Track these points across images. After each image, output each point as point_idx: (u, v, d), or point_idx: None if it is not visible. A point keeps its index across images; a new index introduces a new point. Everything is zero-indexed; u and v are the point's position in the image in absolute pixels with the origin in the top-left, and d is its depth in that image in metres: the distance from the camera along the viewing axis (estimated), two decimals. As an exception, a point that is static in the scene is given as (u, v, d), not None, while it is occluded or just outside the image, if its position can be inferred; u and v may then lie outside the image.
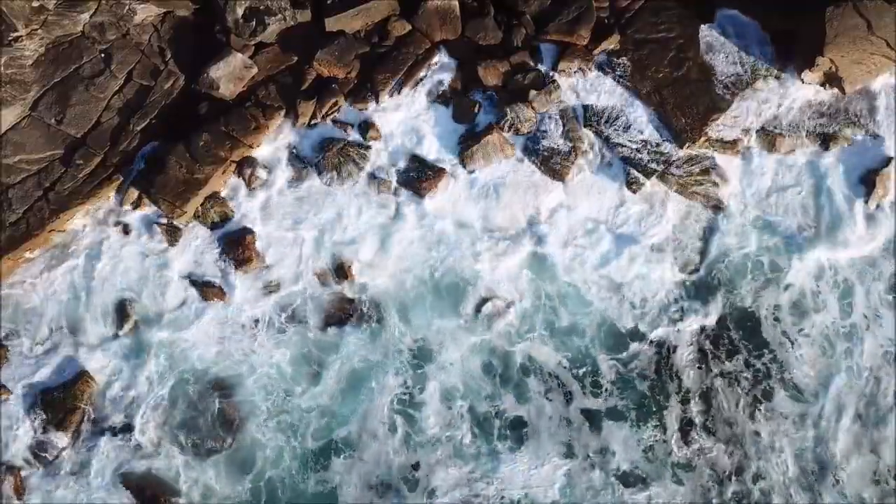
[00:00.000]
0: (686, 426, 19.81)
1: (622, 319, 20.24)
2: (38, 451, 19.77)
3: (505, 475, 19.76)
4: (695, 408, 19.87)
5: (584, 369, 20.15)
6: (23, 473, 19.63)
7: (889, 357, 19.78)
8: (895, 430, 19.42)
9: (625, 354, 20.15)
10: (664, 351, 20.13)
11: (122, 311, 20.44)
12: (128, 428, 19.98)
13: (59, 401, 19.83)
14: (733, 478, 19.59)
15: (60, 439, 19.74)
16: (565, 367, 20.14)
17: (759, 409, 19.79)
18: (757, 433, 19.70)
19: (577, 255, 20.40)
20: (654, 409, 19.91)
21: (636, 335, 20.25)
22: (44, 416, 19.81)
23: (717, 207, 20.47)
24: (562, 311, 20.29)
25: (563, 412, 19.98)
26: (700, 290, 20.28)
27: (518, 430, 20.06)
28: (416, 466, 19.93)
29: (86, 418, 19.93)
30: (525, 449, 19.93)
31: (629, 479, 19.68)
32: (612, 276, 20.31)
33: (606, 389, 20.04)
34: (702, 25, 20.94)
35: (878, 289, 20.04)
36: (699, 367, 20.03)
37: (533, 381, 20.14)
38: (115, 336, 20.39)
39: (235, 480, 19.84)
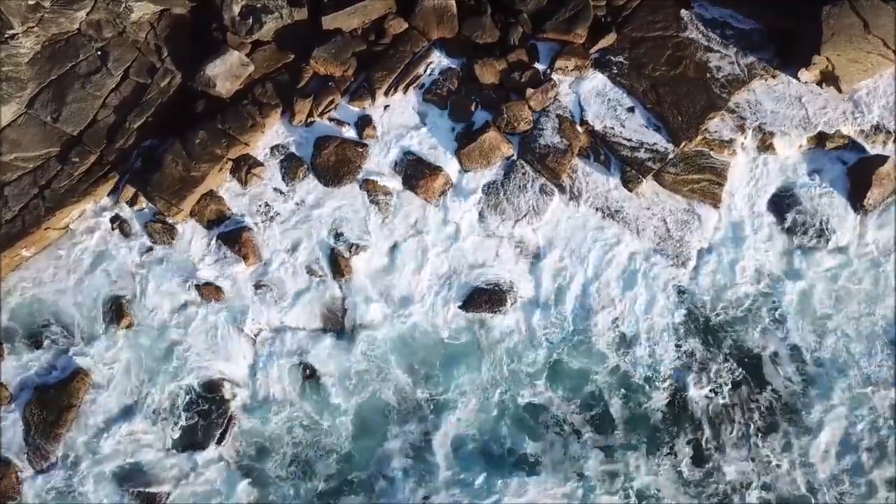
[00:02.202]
0: (696, 450, 19.44)
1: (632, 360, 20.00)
2: (35, 448, 19.69)
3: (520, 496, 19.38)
4: (704, 434, 19.54)
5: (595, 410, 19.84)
6: (19, 471, 19.55)
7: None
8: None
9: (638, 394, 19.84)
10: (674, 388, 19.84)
11: (118, 309, 20.37)
12: (122, 427, 19.90)
13: (55, 398, 19.76)
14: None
15: (56, 437, 19.66)
16: (576, 410, 19.81)
17: (766, 437, 19.48)
18: (766, 459, 19.38)
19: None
20: (667, 439, 19.58)
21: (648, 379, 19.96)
22: (40, 414, 19.74)
23: (714, 206, 20.44)
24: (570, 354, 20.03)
25: (576, 443, 19.63)
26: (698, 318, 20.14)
27: (531, 459, 19.63)
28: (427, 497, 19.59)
29: (81, 416, 19.86)
30: (539, 475, 19.51)
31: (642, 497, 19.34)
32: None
33: (617, 427, 19.65)
34: (682, 11, 21.19)
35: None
36: (707, 399, 19.70)
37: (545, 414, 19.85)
38: (111, 334, 20.31)
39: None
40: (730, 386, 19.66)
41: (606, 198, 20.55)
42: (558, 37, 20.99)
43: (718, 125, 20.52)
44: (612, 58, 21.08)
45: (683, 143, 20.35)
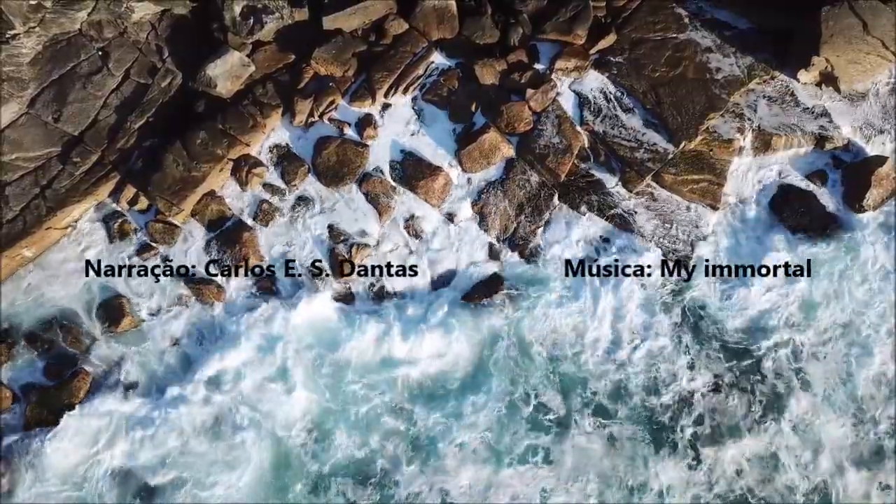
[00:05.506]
0: (695, 443, 19.44)
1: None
2: (34, 447, 19.71)
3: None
4: (703, 429, 19.56)
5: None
6: (18, 470, 19.57)
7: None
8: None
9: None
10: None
11: (119, 309, 20.36)
12: (121, 425, 19.84)
13: (56, 398, 19.75)
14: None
15: (55, 435, 19.67)
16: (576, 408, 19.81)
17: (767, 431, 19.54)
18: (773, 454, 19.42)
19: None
20: (669, 436, 19.58)
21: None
22: (41, 414, 19.75)
23: (714, 207, 20.48)
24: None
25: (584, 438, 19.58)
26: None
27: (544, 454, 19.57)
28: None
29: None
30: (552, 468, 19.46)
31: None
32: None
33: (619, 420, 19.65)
34: (682, 12, 21.34)
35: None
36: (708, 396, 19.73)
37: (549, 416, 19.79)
38: (112, 334, 20.30)
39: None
40: (731, 384, 19.72)
41: (605, 198, 20.60)
42: (558, 37, 21.05)
43: (718, 126, 20.58)
44: (611, 58, 21.16)
45: (683, 144, 20.41)
